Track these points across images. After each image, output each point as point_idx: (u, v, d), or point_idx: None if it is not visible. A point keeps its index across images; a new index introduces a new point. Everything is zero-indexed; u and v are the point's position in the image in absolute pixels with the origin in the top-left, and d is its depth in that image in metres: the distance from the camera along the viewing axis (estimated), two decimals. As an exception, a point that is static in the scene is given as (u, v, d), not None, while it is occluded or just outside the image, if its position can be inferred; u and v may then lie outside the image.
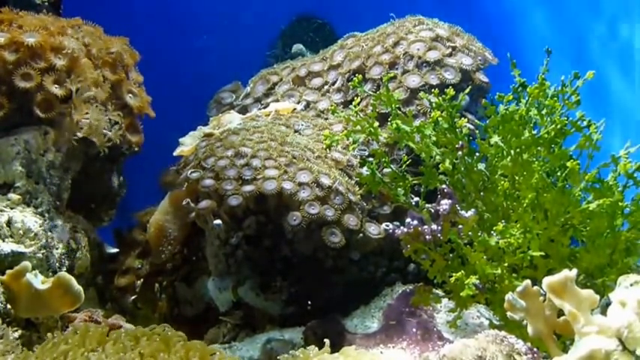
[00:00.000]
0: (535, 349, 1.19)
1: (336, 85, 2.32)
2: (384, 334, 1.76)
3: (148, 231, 2.25)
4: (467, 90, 1.76)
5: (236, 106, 2.46)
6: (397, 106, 1.74)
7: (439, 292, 1.72)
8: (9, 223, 1.72)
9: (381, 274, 1.99)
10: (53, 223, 1.88)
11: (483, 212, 1.65)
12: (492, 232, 1.55)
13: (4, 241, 1.69)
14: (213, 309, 2.14)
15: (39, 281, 1.58)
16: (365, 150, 2.05)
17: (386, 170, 1.76)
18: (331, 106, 2.07)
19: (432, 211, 1.61)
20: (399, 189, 1.73)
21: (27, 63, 1.85)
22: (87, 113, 1.93)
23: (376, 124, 1.76)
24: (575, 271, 1.13)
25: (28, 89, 1.85)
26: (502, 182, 1.59)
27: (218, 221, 1.94)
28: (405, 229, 1.58)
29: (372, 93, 1.90)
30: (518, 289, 1.21)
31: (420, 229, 1.57)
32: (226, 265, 2.00)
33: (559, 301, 1.13)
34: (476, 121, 2.08)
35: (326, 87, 2.35)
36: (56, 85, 1.89)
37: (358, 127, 1.77)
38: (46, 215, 1.85)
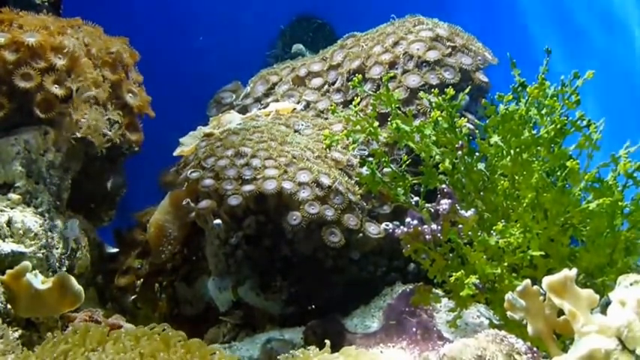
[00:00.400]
0: (535, 349, 1.19)
1: (336, 85, 2.32)
2: (384, 334, 1.76)
3: (148, 231, 2.25)
4: (467, 90, 1.76)
5: (236, 106, 2.46)
6: (397, 105, 1.74)
7: (439, 291, 1.72)
8: (9, 223, 1.72)
9: (380, 274, 1.99)
10: (53, 223, 1.88)
11: (483, 212, 1.65)
12: (492, 231, 1.55)
13: (4, 241, 1.69)
14: (213, 309, 2.14)
15: (39, 281, 1.58)
16: (365, 150, 2.05)
17: (386, 170, 1.76)
18: (331, 106, 2.07)
19: (432, 210, 1.61)
20: (399, 189, 1.73)
21: (27, 63, 1.85)
22: (86, 113, 1.93)
23: (376, 124, 1.76)
24: (575, 270, 1.13)
25: (28, 89, 1.85)
26: (502, 182, 1.59)
27: (218, 221, 1.94)
28: (405, 229, 1.58)
29: (372, 93, 1.90)
30: (518, 288, 1.21)
31: (420, 228, 1.57)
32: (226, 264, 2.00)
33: (559, 300, 1.13)
34: (476, 120, 2.08)
35: (326, 87, 2.34)
36: (56, 85, 1.89)
37: (358, 127, 1.77)
38: (46, 215, 1.85)
